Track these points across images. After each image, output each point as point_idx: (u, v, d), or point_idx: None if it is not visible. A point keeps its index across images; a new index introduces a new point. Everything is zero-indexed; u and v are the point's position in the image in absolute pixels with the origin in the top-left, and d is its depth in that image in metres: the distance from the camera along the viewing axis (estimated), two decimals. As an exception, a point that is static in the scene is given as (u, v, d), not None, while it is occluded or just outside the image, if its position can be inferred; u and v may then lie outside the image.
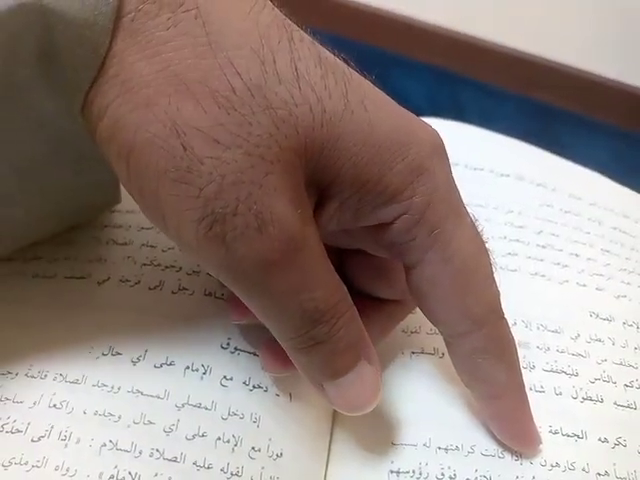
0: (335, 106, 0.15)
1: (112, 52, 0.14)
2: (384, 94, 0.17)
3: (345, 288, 0.17)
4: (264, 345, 0.20)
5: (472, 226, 0.18)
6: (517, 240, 0.28)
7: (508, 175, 0.31)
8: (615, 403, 0.22)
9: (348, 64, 0.17)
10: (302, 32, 0.16)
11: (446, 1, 1.35)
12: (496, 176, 0.31)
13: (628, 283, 0.27)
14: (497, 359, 0.19)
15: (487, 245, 0.20)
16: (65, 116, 0.16)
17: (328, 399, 0.18)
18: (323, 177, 0.16)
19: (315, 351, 0.17)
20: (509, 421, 0.20)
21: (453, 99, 1.38)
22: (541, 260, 0.27)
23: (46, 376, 0.19)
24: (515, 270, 0.27)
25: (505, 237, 0.28)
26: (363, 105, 0.16)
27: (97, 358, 0.20)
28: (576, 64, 1.30)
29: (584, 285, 0.26)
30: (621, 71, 1.27)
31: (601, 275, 0.27)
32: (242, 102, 0.14)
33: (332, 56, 0.16)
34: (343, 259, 0.21)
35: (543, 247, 0.28)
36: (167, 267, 0.23)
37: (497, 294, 0.19)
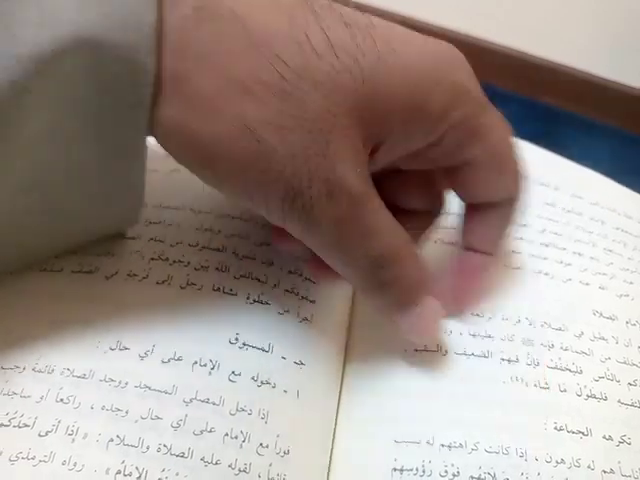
0: (370, 61, 0.17)
1: (167, 71, 0.15)
2: (400, 27, 0.19)
3: (406, 234, 0.19)
4: (310, 261, 0.22)
5: (496, 112, 0.21)
6: (520, 238, 0.28)
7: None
8: (619, 401, 0.22)
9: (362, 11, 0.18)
10: (321, 3, 0.17)
11: (450, 3, 1.35)
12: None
13: (631, 282, 0.27)
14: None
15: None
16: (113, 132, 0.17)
17: (401, 330, 0.21)
18: (375, 127, 0.17)
19: (384, 291, 0.19)
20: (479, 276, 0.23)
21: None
22: (544, 258, 0.27)
23: (53, 370, 0.19)
24: (519, 268, 0.27)
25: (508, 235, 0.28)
26: (392, 49, 0.17)
27: (105, 353, 0.20)
28: (579, 66, 1.30)
29: (587, 284, 0.27)
30: (623, 73, 1.27)
31: (604, 274, 0.27)
32: (293, 86, 0.16)
33: (350, 10, 0.17)
34: (379, 178, 0.21)
35: (546, 245, 0.28)
36: (175, 262, 0.23)
37: (524, 167, 0.22)
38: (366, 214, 0.18)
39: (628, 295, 0.26)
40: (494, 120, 0.20)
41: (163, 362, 0.20)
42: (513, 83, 1.37)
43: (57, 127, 0.16)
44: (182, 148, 0.17)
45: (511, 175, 0.22)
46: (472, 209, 0.23)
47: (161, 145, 0.17)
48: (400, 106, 0.18)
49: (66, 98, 0.15)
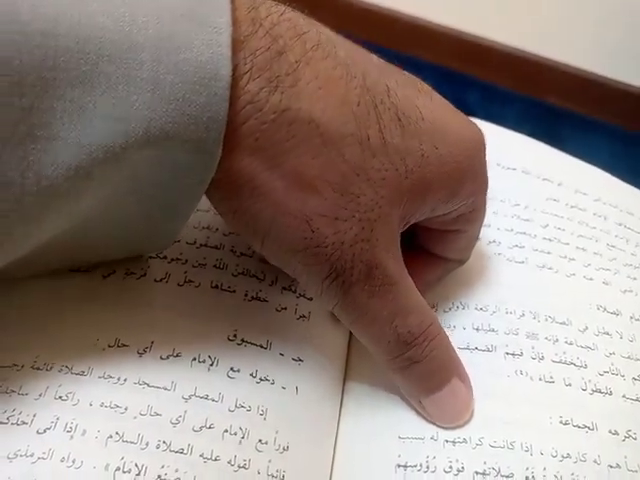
0: (414, 159, 0.18)
1: (235, 166, 0.16)
2: (443, 111, 0.20)
3: (435, 314, 0.21)
4: None
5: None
6: (524, 233, 0.28)
7: (515, 169, 0.31)
8: (624, 396, 0.22)
9: (418, 87, 0.20)
10: (381, 91, 0.18)
11: (452, 1, 1.35)
12: (503, 169, 0.31)
13: (634, 278, 0.27)
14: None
15: (495, 236, 0.27)
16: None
17: (426, 412, 0.21)
18: (411, 210, 0.19)
19: (410, 370, 0.20)
20: None
21: (459, 100, 1.38)
22: (548, 253, 0.27)
23: (52, 368, 0.19)
24: (522, 262, 0.26)
25: (512, 229, 0.28)
26: (434, 145, 0.19)
27: (103, 350, 0.20)
28: (580, 65, 1.30)
29: (591, 279, 0.26)
30: (625, 72, 1.27)
31: (607, 270, 0.27)
32: (351, 182, 0.17)
33: (406, 103, 0.19)
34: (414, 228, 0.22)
35: (550, 240, 0.27)
36: (173, 259, 0.23)
37: None
38: (398, 293, 0.19)
39: (632, 291, 0.26)
40: (485, 198, 0.22)
41: (162, 359, 0.20)
42: (514, 82, 1.37)
43: (113, 203, 0.17)
44: (236, 222, 0.18)
45: (473, 245, 0.24)
46: (425, 253, 0.24)
47: (214, 206, 0.18)
48: (436, 194, 0.20)
49: (127, 182, 0.16)
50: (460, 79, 1.42)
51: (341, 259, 0.18)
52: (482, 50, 1.38)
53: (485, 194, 0.22)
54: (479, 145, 0.21)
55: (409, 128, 0.18)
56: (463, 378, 0.21)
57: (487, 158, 0.29)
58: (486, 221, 0.24)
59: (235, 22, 0.15)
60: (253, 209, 0.17)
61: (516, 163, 0.31)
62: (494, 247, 0.27)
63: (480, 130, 0.21)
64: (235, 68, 0.15)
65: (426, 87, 0.21)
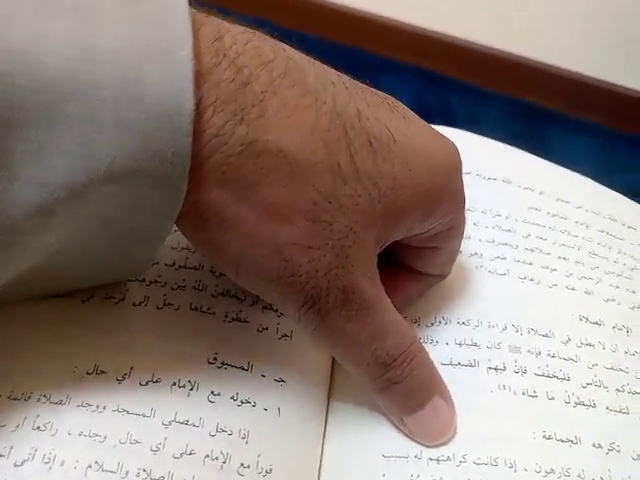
0: (387, 183, 0.18)
1: (202, 198, 0.16)
2: (417, 130, 0.20)
3: (415, 333, 0.21)
4: None
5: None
6: (505, 244, 0.28)
7: (495, 179, 0.31)
8: (607, 408, 0.22)
9: (390, 107, 0.20)
10: (352, 115, 0.18)
11: (433, 4, 1.35)
12: (483, 180, 0.31)
13: (617, 287, 0.27)
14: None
15: (476, 248, 0.27)
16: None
17: (408, 431, 0.21)
18: (387, 233, 0.19)
19: (391, 391, 0.20)
20: None
21: (442, 101, 1.38)
22: (530, 264, 0.27)
23: (30, 397, 0.19)
24: (504, 274, 0.26)
25: (493, 241, 0.28)
26: (407, 168, 0.19)
27: (82, 377, 0.19)
28: (562, 64, 1.31)
29: (573, 289, 0.26)
30: (606, 71, 1.28)
31: (590, 278, 0.27)
32: (323, 210, 0.17)
33: (378, 126, 0.19)
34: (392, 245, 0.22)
35: (531, 251, 0.27)
36: (152, 282, 0.22)
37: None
38: (376, 316, 0.19)
39: (614, 300, 0.26)
40: (463, 215, 0.22)
41: (141, 385, 0.20)
42: (496, 83, 1.38)
43: (81, 237, 0.16)
44: (207, 253, 0.18)
45: (454, 261, 0.24)
46: (405, 268, 0.24)
47: (185, 237, 0.18)
48: (411, 215, 0.19)
49: (94, 217, 0.16)
50: (442, 81, 1.42)
51: (316, 287, 0.18)
52: (464, 52, 1.38)
53: (462, 211, 0.22)
54: (454, 164, 0.21)
55: (381, 152, 0.18)
56: (445, 396, 0.21)
57: (467, 168, 0.30)
58: (467, 233, 0.24)
59: (198, 54, 0.15)
60: (223, 241, 0.17)
61: (497, 172, 0.31)
62: (476, 259, 0.27)
63: (455, 148, 0.21)
64: (199, 102, 0.15)
65: (399, 106, 0.20)
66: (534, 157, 0.34)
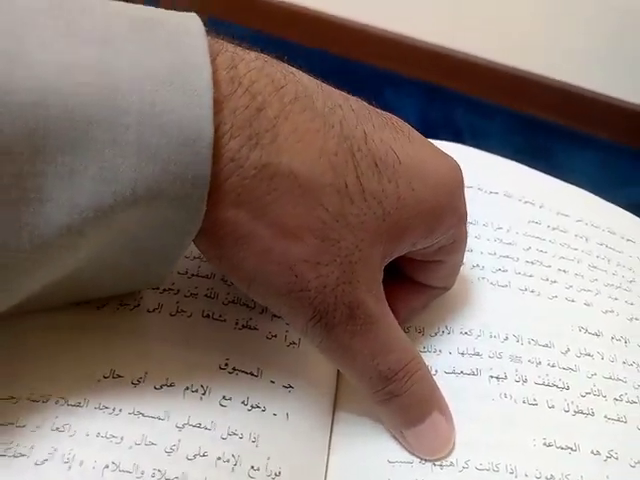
0: (391, 202, 0.19)
1: (219, 217, 0.17)
2: (420, 150, 0.21)
3: (416, 349, 0.22)
4: None
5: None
6: (507, 256, 0.28)
7: (497, 193, 0.32)
8: (606, 417, 0.23)
9: (395, 128, 0.21)
10: (359, 138, 0.19)
11: (436, 18, 1.37)
12: (485, 194, 0.32)
13: (615, 298, 0.28)
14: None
15: (478, 260, 0.28)
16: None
17: (407, 444, 0.22)
18: (391, 249, 0.20)
19: (392, 403, 0.21)
20: None
21: (446, 115, 1.39)
22: (530, 276, 0.28)
23: (48, 400, 0.20)
24: (505, 286, 0.27)
25: (495, 253, 0.28)
26: (411, 188, 0.20)
27: (98, 381, 0.20)
28: (564, 78, 1.32)
29: (573, 300, 0.27)
30: (608, 85, 1.29)
31: (589, 291, 0.28)
32: (331, 228, 0.18)
33: (383, 148, 0.19)
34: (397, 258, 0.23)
35: (532, 263, 0.28)
36: (165, 290, 0.23)
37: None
38: (379, 331, 0.20)
39: (613, 311, 0.27)
40: (465, 229, 0.23)
41: (156, 389, 0.20)
42: (499, 96, 1.39)
43: (105, 254, 0.17)
44: (222, 267, 0.19)
45: (457, 273, 0.25)
46: (409, 281, 0.24)
47: (200, 251, 0.19)
48: (414, 232, 0.20)
49: (118, 236, 0.17)
50: (446, 95, 1.43)
51: (324, 302, 0.18)
52: (468, 66, 1.40)
53: (464, 227, 0.23)
54: (456, 183, 0.22)
55: (386, 173, 0.19)
56: (444, 412, 0.22)
57: (469, 182, 0.31)
58: (469, 246, 0.25)
59: (215, 83, 0.16)
60: (237, 257, 0.18)
61: (498, 187, 0.32)
62: (478, 271, 0.27)
63: (457, 166, 0.22)
64: (217, 128, 0.16)
65: (404, 126, 0.21)
66: (534, 171, 0.35)
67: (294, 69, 0.20)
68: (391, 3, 1.39)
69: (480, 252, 0.28)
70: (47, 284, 0.17)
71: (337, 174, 0.18)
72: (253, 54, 0.18)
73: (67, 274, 0.17)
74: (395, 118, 0.22)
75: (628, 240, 0.32)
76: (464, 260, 0.25)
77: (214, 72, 0.16)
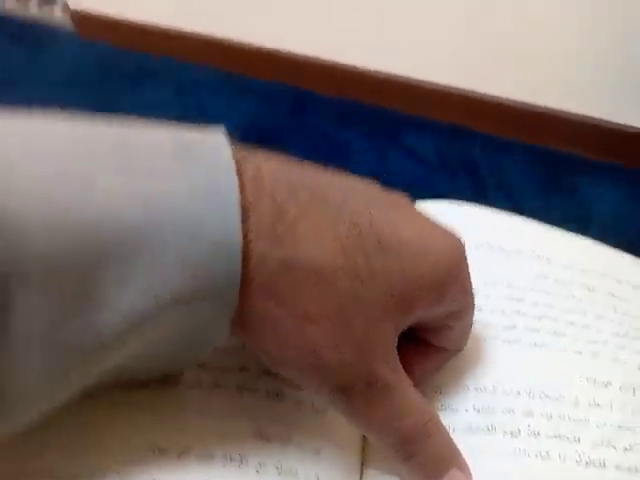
0: (398, 280, 0.21)
1: (253, 309, 0.20)
2: (427, 236, 0.23)
3: (433, 409, 0.24)
4: None
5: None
6: (517, 312, 0.30)
7: (503, 249, 0.34)
8: (617, 466, 0.24)
9: (399, 208, 0.23)
10: (366, 223, 0.21)
11: (448, 60, 1.40)
12: (492, 251, 0.34)
13: (622, 347, 0.29)
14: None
15: (488, 319, 0.30)
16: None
17: None
18: (401, 322, 0.22)
19: (412, 462, 0.23)
20: None
21: (463, 154, 1.41)
22: (539, 331, 0.29)
23: (105, 475, 0.22)
24: (516, 341, 0.29)
25: (504, 311, 0.30)
26: (416, 265, 0.22)
27: (146, 455, 0.22)
28: (581, 111, 1.33)
29: (580, 352, 0.29)
30: (622, 113, 1.30)
31: (596, 342, 0.29)
32: (346, 310, 0.20)
33: (388, 230, 0.22)
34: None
35: (539, 318, 0.30)
36: (202, 366, 0.26)
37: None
38: (395, 398, 0.22)
39: (620, 359, 0.28)
40: (470, 299, 0.25)
41: (198, 460, 0.23)
42: (516, 131, 1.40)
43: (149, 347, 0.20)
44: (250, 346, 0.21)
45: (468, 336, 0.27)
46: (424, 343, 0.26)
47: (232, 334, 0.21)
48: (421, 303, 0.22)
49: (162, 332, 0.19)
50: (463, 133, 1.46)
51: (343, 378, 0.21)
52: (483, 104, 1.42)
53: (469, 296, 0.25)
54: (457, 259, 0.24)
55: (391, 253, 0.21)
56: (462, 468, 0.24)
57: (478, 241, 0.33)
58: (480, 305, 0.27)
59: (242, 194, 0.19)
60: (263, 340, 0.20)
61: (505, 243, 0.34)
62: (489, 330, 0.29)
63: (458, 242, 0.24)
64: (245, 235, 0.19)
65: (407, 205, 0.24)
66: (540, 225, 0.36)
67: (308, 167, 0.22)
68: (404, 48, 1.43)
69: (490, 310, 0.30)
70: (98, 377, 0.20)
71: (347, 257, 0.20)
72: (274, 162, 0.21)
73: (116, 366, 0.20)
74: (399, 198, 0.24)
75: (635, 287, 0.33)
76: (475, 318, 0.27)
77: (241, 186, 0.19)
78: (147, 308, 0.18)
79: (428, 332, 0.26)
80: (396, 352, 0.22)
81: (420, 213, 0.24)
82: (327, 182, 0.22)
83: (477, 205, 0.37)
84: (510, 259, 0.33)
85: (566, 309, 0.31)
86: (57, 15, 1.99)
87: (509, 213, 0.37)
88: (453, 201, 0.37)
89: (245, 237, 0.19)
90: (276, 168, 0.21)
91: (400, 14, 1.41)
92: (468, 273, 0.24)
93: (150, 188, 0.18)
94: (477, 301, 0.26)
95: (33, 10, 2.02)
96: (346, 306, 0.20)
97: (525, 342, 0.29)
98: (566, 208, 1.35)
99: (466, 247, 0.33)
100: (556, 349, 0.29)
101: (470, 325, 0.26)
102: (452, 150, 1.47)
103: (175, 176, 0.18)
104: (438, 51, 1.41)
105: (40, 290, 0.16)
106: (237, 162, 0.19)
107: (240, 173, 0.19)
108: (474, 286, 0.25)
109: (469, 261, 0.24)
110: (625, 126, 1.31)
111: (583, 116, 1.33)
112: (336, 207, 0.21)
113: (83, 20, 1.93)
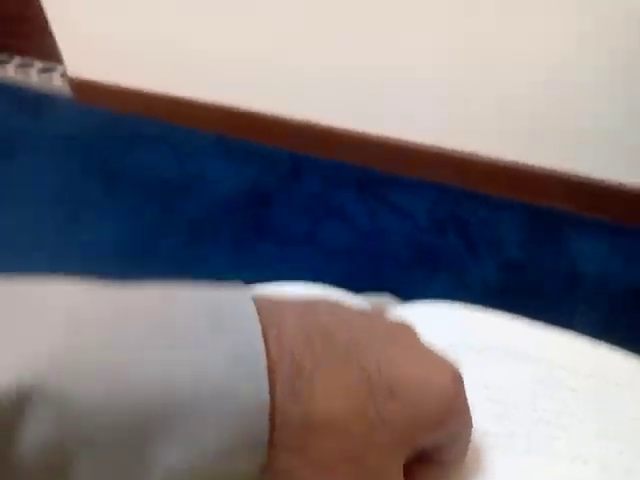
0: (404, 423, 0.24)
1: (276, 458, 0.21)
2: (428, 370, 0.25)
3: None
4: None
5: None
6: (513, 419, 0.32)
7: (497, 350, 0.36)
8: None
9: (396, 339, 0.26)
10: (374, 368, 0.24)
11: (439, 123, 1.45)
12: (485, 355, 0.35)
13: (620, 452, 0.31)
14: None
15: (485, 426, 0.32)
16: None
17: None
18: (407, 452, 0.24)
19: None
20: None
21: (453, 212, 1.45)
22: (534, 436, 0.31)
23: None
24: (512, 449, 0.31)
25: (500, 417, 0.32)
26: (414, 400, 0.24)
27: None
28: (564, 168, 1.38)
29: (572, 457, 0.31)
30: (613, 172, 1.34)
31: (586, 446, 0.31)
32: (358, 452, 0.22)
33: (395, 373, 0.24)
34: None
35: (535, 423, 0.32)
36: None
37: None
38: None
39: (610, 466, 0.30)
40: (469, 420, 0.27)
41: None
42: (505, 190, 1.45)
43: None
44: None
45: (466, 452, 0.29)
46: (425, 457, 0.28)
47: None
48: (421, 435, 0.25)
49: None
50: (453, 192, 1.50)
51: None
52: (472, 164, 1.47)
53: (468, 418, 0.27)
54: (457, 389, 0.26)
55: (397, 395, 0.24)
56: None
57: (470, 342, 0.35)
58: (478, 413, 0.28)
59: (267, 353, 0.21)
60: None
61: (498, 345, 0.36)
62: (487, 439, 0.31)
63: (456, 373, 0.26)
64: (272, 397, 0.21)
65: (408, 337, 0.27)
66: (533, 325, 0.38)
67: (317, 307, 0.25)
68: (394, 112, 1.49)
69: (485, 418, 0.32)
70: None
71: (358, 403, 0.23)
72: (288, 314, 0.24)
73: None
74: (401, 327, 0.27)
75: (617, 385, 0.35)
76: (475, 428, 0.29)
77: (267, 349, 0.21)
78: (189, 468, 0.20)
79: (429, 449, 0.28)
80: (402, 476, 0.25)
81: (419, 342, 0.27)
82: (334, 324, 0.24)
83: (471, 305, 0.39)
84: (502, 363, 0.35)
85: (558, 412, 0.33)
86: (56, 83, 2.06)
87: (503, 314, 0.39)
88: (444, 302, 0.39)
89: (272, 398, 0.21)
90: (292, 323, 0.23)
91: (385, 83, 1.47)
92: (466, 399, 0.26)
93: (194, 360, 0.20)
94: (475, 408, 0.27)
95: (33, 78, 2.09)
96: (358, 448, 0.23)
97: (520, 449, 0.31)
98: (553, 263, 1.38)
99: (462, 350, 0.35)
100: (550, 454, 0.30)
101: (468, 443, 0.28)
102: (442, 208, 1.51)
103: (212, 348, 0.21)
104: (425, 115, 1.46)
105: (98, 457, 0.19)
106: (263, 327, 0.22)
107: (265, 337, 0.22)
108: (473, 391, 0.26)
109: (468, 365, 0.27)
110: (609, 182, 1.35)
111: (568, 173, 1.37)
112: (344, 348, 0.24)
113: (81, 87, 1.99)
